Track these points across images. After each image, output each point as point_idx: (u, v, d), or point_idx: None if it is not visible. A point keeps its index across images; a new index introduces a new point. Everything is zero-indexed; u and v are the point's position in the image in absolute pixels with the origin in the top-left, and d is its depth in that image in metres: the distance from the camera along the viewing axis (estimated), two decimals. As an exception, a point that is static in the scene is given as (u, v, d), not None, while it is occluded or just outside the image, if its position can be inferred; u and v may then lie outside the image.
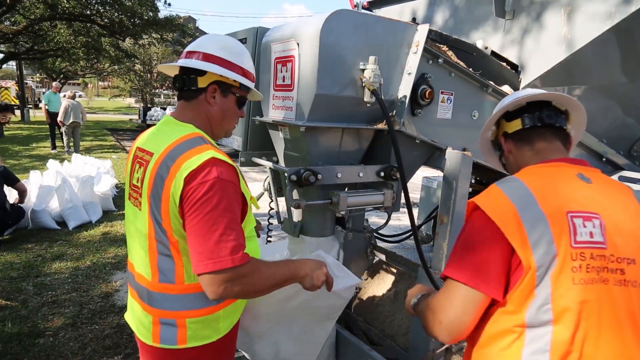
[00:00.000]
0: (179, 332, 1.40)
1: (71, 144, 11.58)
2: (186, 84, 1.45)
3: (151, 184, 1.35)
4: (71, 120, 11.19)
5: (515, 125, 1.34)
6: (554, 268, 1.05)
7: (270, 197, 2.47)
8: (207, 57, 1.45)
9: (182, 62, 1.46)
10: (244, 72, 1.50)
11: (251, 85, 1.54)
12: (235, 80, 1.47)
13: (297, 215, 2.18)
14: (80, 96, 12.12)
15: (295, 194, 1.99)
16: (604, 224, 1.10)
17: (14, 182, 5.08)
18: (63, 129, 11.42)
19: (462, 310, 1.10)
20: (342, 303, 1.81)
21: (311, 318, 1.82)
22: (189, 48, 1.49)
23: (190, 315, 1.40)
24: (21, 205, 5.26)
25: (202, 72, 1.44)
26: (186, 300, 1.39)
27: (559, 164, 1.24)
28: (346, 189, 2.03)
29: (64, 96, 11.61)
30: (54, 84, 13.65)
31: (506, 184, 1.19)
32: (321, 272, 1.50)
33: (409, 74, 1.97)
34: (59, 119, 11.21)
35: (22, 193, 5.18)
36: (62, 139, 11.77)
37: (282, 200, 2.32)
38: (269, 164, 2.18)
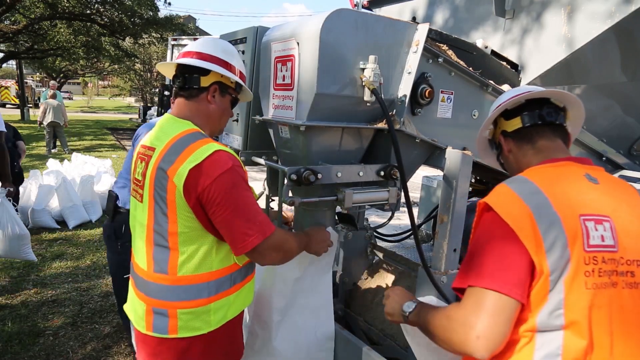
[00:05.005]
0: (170, 322, 1.45)
1: (58, 143, 11.66)
2: (188, 83, 1.51)
3: (153, 176, 1.42)
4: (49, 120, 11.16)
5: (515, 123, 1.30)
6: (568, 273, 1.02)
7: (269, 197, 2.46)
8: (209, 58, 1.50)
9: (187, 60, 1.50)
10: (240, 74, 1.60)
11: (244, 85, 1.63)
12: (232, 82, 1.55)
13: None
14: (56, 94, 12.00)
15: (291, 193, 1.98)
16: (614, 227, 1.07)
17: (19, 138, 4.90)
18: (45, 129, 11.43)
19: (499, 321, 1.01)
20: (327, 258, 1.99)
21: (312, 279, 1.99)
22: (187, 49, 1.54)
23: (181, 306, 1.44)
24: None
25: (205, 72, 1.49)
26: (178, 291, 1.44)
27: (566, 164, 1.20)
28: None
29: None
30: (51, 83, 13.68)
31: (518, 185, 1.14)
32: (323, 242, 1.84)
33: (409, 73, 1.96)
34: (38, 119, 11.28)
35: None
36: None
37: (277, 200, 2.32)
38: (269, 164, 2.18)
